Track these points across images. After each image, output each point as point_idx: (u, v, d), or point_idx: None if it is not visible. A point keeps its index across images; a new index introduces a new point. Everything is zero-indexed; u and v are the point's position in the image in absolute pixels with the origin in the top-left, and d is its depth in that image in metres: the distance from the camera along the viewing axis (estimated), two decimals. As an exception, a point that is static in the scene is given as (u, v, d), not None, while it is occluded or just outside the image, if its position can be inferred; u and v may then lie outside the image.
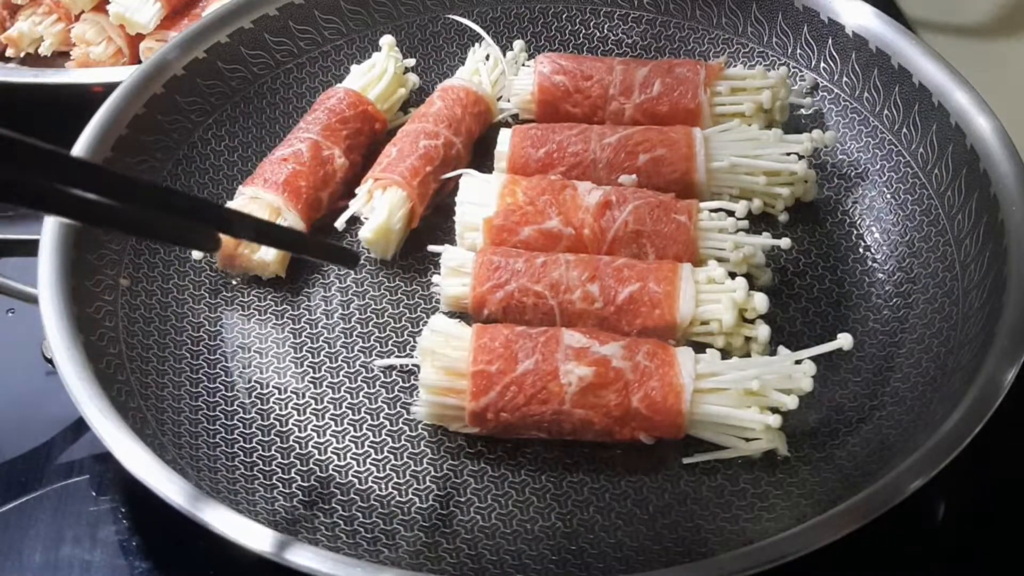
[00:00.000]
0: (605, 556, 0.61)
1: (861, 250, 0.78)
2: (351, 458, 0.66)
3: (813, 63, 0.86)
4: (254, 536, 0.54)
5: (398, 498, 0.64)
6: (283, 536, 0.55)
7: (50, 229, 0.69)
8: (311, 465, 0.66)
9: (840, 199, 0.81)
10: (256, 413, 0.69)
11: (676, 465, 0.65)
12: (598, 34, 0.94)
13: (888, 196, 0.79)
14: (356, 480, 0.65)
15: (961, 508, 0.67)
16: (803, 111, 0.86)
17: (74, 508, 0.68)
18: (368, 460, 0.66)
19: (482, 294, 0.71)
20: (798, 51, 0.87)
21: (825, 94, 0.85)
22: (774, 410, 0.63)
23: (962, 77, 0.77)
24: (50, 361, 0.64)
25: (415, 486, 0.65)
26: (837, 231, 0.79)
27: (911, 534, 0.65)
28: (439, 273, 0.73)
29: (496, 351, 0.65)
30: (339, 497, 0.64)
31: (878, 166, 0.81)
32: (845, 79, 0.84)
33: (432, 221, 0.80)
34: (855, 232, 0.79)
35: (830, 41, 0.85)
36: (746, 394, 0.63)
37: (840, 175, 0.82)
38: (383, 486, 0.65)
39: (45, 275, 0.67)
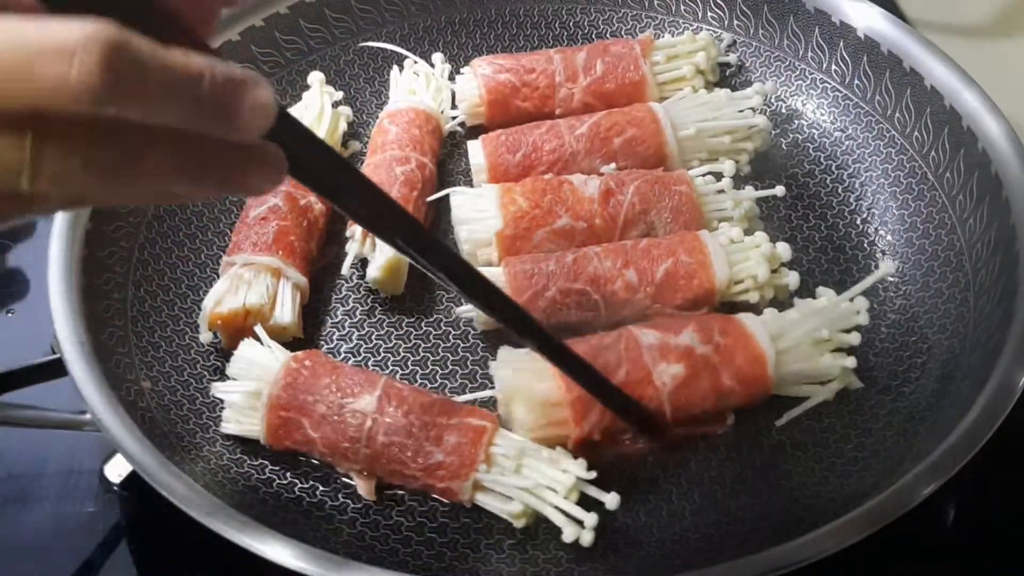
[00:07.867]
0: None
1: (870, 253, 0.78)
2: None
3: (824, 66, 0.86)
4: (255, 537, 0.54)
5: (408, 500, 0.64)
6: (284, 537, 0.55)
7: (59, 229, 0.68)
8: (311, 467, 0.66)
9: (850, 202, 0.81)
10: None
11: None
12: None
13: (899, 199, 0.79)
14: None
15: (971, 513, 0.67)
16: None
17: (74, 509, 0.68)
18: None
19: (523, 304, 0.67)
20: (809, 54, 0.86)
21: (836, 95, 0.85)
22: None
23: (973, 80, 0.76)
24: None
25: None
26: (846, 234, 0.79)
27: (921, 539, 0.64)
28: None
29: None
30: (340, 499, 0.64)
31: (889, 169, 0.80)
32: (856, 82, 0.84)
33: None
34: (865, 235, 0.79)
35: (841, 44, 0.84)
36: (816, 343, 0.66)
37: (850, 176, 0.82)
38: (385, 487, 0.65)
39: (55, 272, 0.66)
